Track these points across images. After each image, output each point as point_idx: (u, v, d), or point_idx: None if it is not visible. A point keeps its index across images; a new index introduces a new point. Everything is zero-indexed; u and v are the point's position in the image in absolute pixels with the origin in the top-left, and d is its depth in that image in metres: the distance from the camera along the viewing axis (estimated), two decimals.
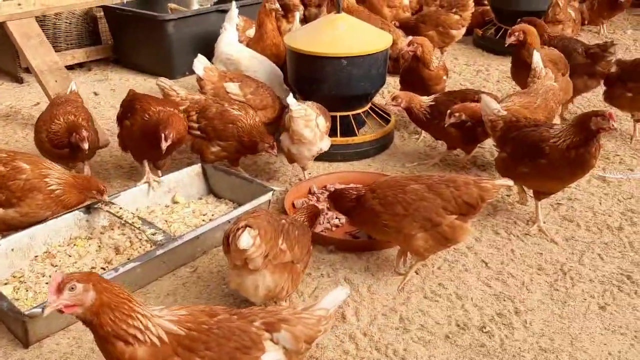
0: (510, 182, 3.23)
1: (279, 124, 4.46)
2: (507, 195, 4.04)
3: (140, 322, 1.90)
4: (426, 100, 4.41)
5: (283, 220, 2.85)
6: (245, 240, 2.53)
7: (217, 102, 4.10)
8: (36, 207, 3.24)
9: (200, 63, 4.50)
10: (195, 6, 6.75)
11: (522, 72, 4.67)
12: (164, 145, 3.52)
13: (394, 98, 4.42)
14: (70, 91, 4.31)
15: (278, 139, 4.07)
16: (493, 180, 3.15)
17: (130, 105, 3.87)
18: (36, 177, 3.21)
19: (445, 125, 4.11)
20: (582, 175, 3.52)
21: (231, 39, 5.17)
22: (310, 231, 3.09)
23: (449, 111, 4.07)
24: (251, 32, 5.90)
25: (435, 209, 3.00)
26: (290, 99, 3.81)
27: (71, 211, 3.43)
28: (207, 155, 4.04)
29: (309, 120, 3.84)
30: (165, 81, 4.18)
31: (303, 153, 3.96)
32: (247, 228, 2.56)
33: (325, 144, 4.03)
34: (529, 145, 3.49)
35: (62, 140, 3.80)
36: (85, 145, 3.72)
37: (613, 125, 3.21)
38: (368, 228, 3.29)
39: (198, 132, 4.01)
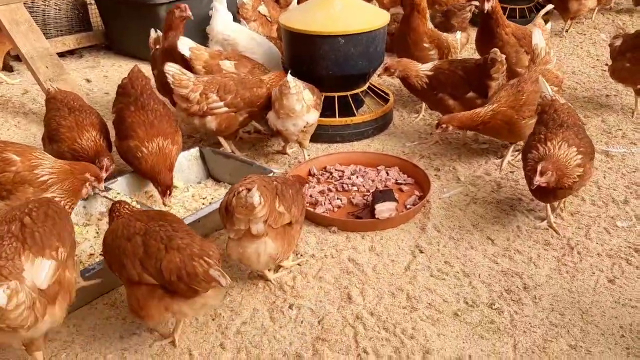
0: (227, 280, 2.28)
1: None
2: (510, 172, 3.99)
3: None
4: (424, 68, 4.31)
5: (275, 182, 2.79)
6: (257, 196, 2.50)
7: (227, 75, 4.06)
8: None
9: (184, 44, 4.36)
10: None
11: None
12: (167, 200, 3.54)
13: (387, 69, 4.32)
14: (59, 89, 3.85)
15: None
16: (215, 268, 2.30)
17: (124, 129, 3.59)
18: (26, 169, 3.12)
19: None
20: None
21: (226, 19, 5.03)
22: (303, 188, 3.04)
23: (437, 122, 3.89)
24: (262, 9, 5.79)
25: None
26: (289, 76, 3.79)
27: None
28: (236, 128, 4.09)
29: (299, 93, 3.84)
30: (173, 66, 3.87)
31: (289, 128, 3.92)
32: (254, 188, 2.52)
33: (312, 116, 3.98)
34: None
35: (84, 158, 3.47)
36: (103, 175, 3.32)
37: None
38: None
39: (224, 109, 3.94)
